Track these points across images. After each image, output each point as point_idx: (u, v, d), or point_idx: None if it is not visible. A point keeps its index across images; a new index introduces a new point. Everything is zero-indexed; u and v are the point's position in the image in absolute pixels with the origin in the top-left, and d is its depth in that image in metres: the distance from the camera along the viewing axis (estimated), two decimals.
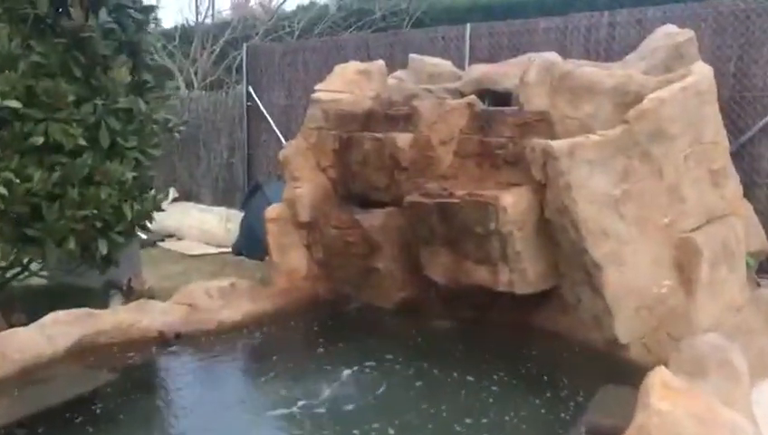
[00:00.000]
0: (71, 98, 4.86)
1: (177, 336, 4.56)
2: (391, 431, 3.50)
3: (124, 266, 6.48)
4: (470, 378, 4.13)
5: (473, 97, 5.33)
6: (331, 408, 3.78)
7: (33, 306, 5.13)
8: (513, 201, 4.49)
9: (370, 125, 5.59)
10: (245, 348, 4.78)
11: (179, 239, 9.78)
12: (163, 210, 5.69)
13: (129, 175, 5.17)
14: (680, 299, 4.40)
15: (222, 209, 9.48)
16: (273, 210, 5.68)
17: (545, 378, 4.16)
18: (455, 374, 4.18)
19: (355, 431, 3.49)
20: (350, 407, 3.79)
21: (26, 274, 5.53)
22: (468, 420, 3.60)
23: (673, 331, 4.32)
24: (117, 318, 4.55)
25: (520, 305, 4.81)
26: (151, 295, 6.23)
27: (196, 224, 9.75)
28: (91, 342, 4.35)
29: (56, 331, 4.26)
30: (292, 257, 5.62)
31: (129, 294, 6.44)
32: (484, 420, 3.62)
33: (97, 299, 5.93)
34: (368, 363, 4.36)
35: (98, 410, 3.68)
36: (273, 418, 3.71)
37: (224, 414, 3.77)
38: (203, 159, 9.84)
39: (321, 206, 5.62)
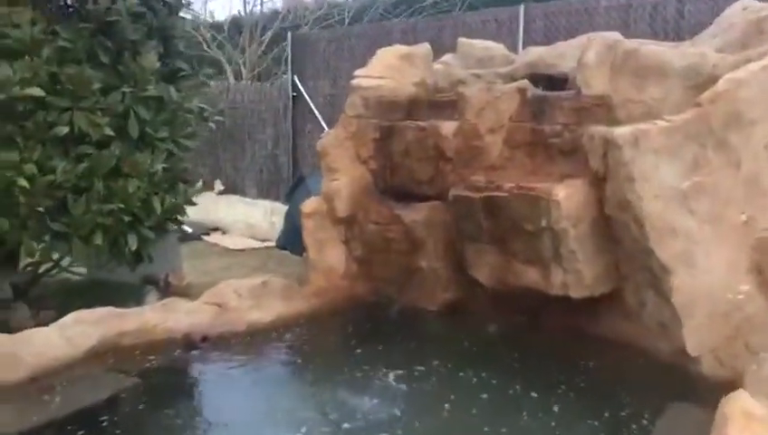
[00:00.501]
0: (97, 85, 4.64)
1: (204, 339, 4.27)
2: None
3: (162, 261, 6.29)
4: (534, 394, 3.71)
5: (524, 81, 4.88)
6: (371, 423, 3.42)
7: (67, 302, 4.96)
8: (568, 195, 4.04)
9: (413, 113, 5.21)
10: (277, 352, 4.45)
11: (224, 233, 9.61)
12: (195, 204, 5.43)
13: (159, 166, 4.92)
14: (759, 306, 3.87)
15: (267, 203, 9.25)
16: (309, 204, 5.35)
17: (606, 394, 3.72)
18: (517, 387, 3.79)
19: None
20: (393, 424, 3.41)
21: (57, 270, 5.35)
22: None
23: (751, 342, 3.81)
24: (141, 318, 4.30)
25: (575, 310, 4.35)
26: (188, 292, 6.03)
27: (240, 217, 9.56)
28: (113, 343, 4.11)
29: (76, 331, 4.03)
30: (329, 255, 5.28)
31: (166, 291, 6.25)
32: None
33: (133, 295, 5.74)
34: (415, 370, 4.00)
35: (114, 419, 3.42)
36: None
37: (253, 428, 3.46)
38: (248, 150, 9.61)
39: (361, 199, 5.26)
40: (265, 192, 9.38)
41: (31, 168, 4.35)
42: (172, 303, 4.59)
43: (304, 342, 4.60)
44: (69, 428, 3.23)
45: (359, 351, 4.40)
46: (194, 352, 4.21)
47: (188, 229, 9.37)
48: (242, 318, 4.53)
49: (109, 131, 4.67)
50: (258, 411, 3.67)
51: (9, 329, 4.23)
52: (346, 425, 3.38)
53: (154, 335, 4.23)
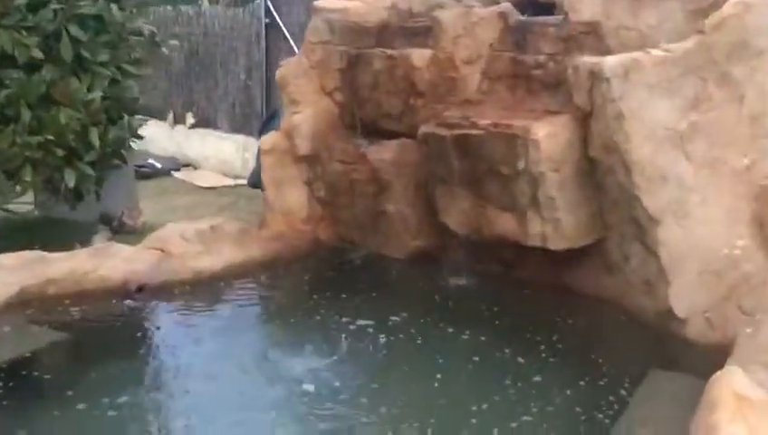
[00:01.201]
0: (22, 1, 4.09)
1: (140, 289, 3.85)
2: None
3: (118, 199, 5.89)
4: (521, 360, 3.31)
5: (506, 5, 4.35)
6: (328, 387, 3.05)
7: (10, 242, 4.53)
8: (549, 133, 3.58)
9: (384, 40, 4.68)
10: (225, 304, 4.02)
11: (196, 169, 9.13)
12: (141, 137, 4.94)
13: (96, 95, 4.41)
14: (758, 263, 3.45)
15: (240, 137, 8.73)
16: (268, 140, 4.88)
17: (584, 357, 3.34)
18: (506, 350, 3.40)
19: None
20: (352, 390, 3.06)
21: None
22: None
23: (746, 303, 3.39)
24: (71, 264, 3.87)
25: (554, 262, 3.95)
26: (144, 232, 5.62)
27: (212, 153, 9.07)
28: (37, 292, 3.69)
29: None
30: (289, 196, 4.83)
31: (120, 231, 5.85)
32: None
33: (81, 235, 5.31)
34: (386, 326, 3.62)
35: (34, 378, 3.05)
36: (257, 397, 3.04)
37: (191, 390, 3.08)
38: (220, 81, 9.03)
39: (325, 136, 4.78)
40: (239, 127, 8.84)
41: None
42: (109, 247, 4.14)
43: (256, 291, 4.22)
44: None
45: (316, 300, 4.01)
46: (134, 303, 3.80)
47: (157, 165, 8.91)
48: (187, 265, 4.11)
49: (37, 53, 4.16)
50: (197, 373, 3.24)
51: None
52: (295, 384, 3.03)
53: (86, 284, 3.82)
